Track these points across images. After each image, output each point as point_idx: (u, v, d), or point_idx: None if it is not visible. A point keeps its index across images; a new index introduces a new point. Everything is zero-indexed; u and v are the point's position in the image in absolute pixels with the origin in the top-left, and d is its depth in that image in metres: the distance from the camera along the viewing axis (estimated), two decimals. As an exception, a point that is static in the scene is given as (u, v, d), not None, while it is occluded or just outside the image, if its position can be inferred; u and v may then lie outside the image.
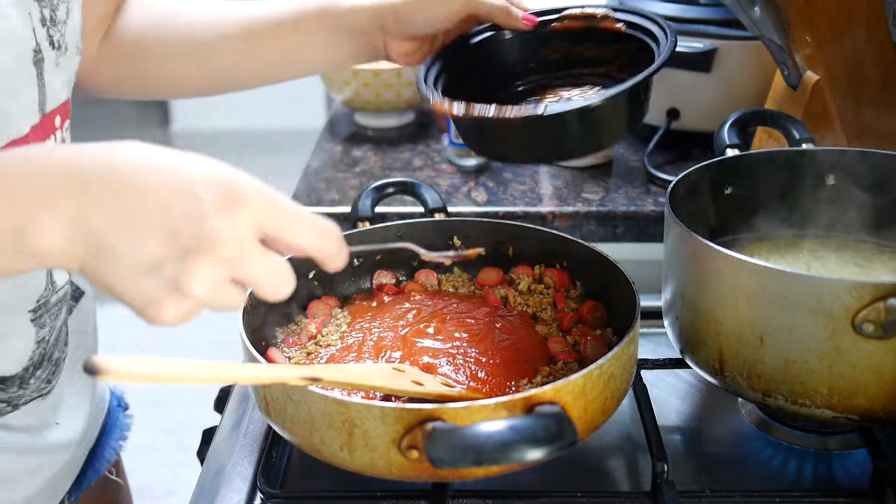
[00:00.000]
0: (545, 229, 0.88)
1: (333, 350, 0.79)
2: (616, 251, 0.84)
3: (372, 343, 0.79)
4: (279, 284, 0.54)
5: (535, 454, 0.59)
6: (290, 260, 0.55)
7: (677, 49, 1.15)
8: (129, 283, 0.51)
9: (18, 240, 0.50)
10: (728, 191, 0.88)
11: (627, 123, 0.78)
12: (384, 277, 0.90)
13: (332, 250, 0.55)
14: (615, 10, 0.83)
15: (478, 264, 0.90)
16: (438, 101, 0.75)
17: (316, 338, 0.81)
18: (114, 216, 0.50)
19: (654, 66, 0.73)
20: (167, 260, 0.50)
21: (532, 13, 0.83)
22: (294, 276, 0.54)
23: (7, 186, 0.51)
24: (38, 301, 0.73)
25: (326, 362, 0.77)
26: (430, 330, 0.79)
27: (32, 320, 0.72)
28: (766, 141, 1.06)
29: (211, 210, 0.50)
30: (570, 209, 1.10)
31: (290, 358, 0.79)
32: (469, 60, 0.84)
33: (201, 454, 0.86)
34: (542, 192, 1.15)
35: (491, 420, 0.60)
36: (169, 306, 0.51)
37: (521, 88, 0.86)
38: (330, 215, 1.10)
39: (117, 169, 0.51)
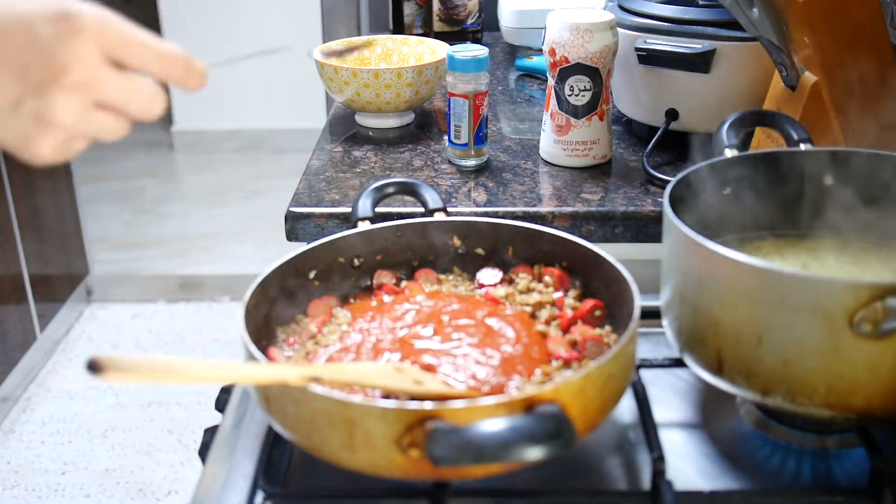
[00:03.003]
0: (545, 229, 0.88)
1: (333, 349, 0.79)
2: (615, 251, 0.85)
3: (372, 343, 0.79)
4: (146, 103, 0.56)
5: (534, 453, 0.59)
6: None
7: (677, 49, 1.16)
8: None
9: None
10: (726, 191, 0.88)
11: None
12: (384, 277, 0.90)
13: (177, 72, 0.57)
14: None
15: (477, 264, 0.91)
16: None
17: (316, 337, 0.82)
18: None
19: None
20: (24, 96, 0.53)
21: None
22: (164, 96, 0.57)
23: None
24: None
25: (326, 362, 0.78)
26: (430, 330, 0.80)
27: None
28: (764, 141, 1.07)
29: (52, 41, 0.53)
30: (570, 209, 1.11)
31: (289, 357, 0.80)
32: None
33: (203, 453, 0.87)
34: (541, 193, 1.15)
35: (491, 419, 0.61)
36: (41, 141, 0.54)
37: None
38: (330, 215, 1.11)
39: None
